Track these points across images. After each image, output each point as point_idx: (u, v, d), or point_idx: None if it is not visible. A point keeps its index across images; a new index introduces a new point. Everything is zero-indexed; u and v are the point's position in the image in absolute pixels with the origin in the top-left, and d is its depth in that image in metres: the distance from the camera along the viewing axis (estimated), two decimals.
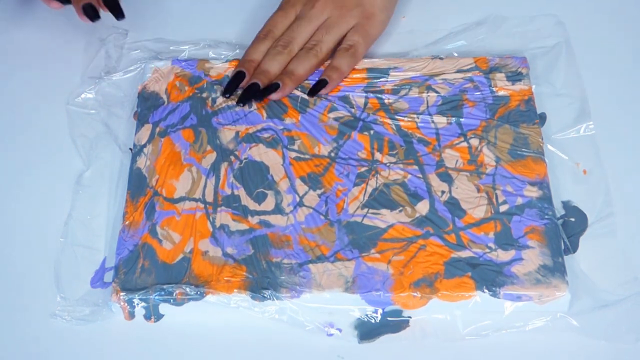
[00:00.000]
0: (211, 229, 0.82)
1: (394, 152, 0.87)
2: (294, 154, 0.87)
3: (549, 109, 0.91)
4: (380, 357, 0.78)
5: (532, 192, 0.83)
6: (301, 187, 0.85)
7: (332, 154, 0.87)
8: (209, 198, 0.84)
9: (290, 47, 0.92)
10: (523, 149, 0.86)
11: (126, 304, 0.79)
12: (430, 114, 0.89)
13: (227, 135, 0.89)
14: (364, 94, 0.91)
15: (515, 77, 0.91)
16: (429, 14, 1.00)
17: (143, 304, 0.79)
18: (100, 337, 0.80)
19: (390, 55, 0.95)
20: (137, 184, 0.86)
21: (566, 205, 0.85)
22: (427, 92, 0.91)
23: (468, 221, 0.81)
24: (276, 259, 0.80)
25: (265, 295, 0.78)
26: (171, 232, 0.83)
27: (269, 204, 0.84)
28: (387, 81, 0.92)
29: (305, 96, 0.91)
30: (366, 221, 0.82)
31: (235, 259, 0.80)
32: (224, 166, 0.87)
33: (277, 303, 0.78)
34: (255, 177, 0.86)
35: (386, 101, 0.90)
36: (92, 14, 0.92)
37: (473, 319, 0.78)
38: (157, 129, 0.90)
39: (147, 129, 0.90)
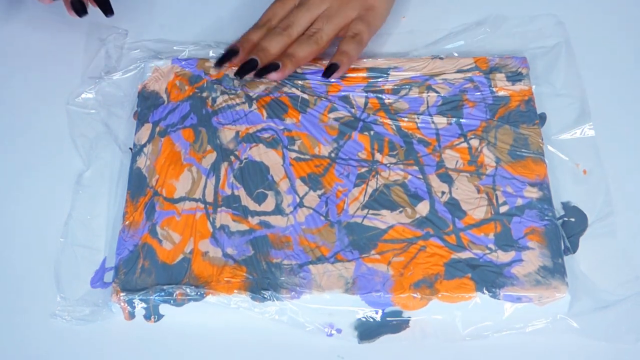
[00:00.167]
0: (211, 230, 0.82)
1: (394, 153, 0.87)
2: (294, 154, 0.87)
3: (549, 109, 0.91)
4: (380, 357, 0.78)
5: (532, 193, 0.83)
6: (301, 188, 0.85)
7: (333, 155, 0.87)
8: (209, 198, 0.84)
9: (289, 31, 0.92)
10: (523, 150, 0.86)
11: (126, 304, 0.79)
12: (430, 115, 0.89)
13: (227, 135, 0.89)
14: (364, 94, 0.91)
15: (515, 77, 0.91)
16: (429, 14, 1.00)
17: (143, 304, 0.79)
18: (100, 337, 0.80)
19: (390, 55, 0.95)
20: (137, 183, 0.86)
21: (566, 205, 0.85)
22: (427, 92, 0.91)
23: (468, 222, 0.82)
24: (276, 260, 0.80)
25: (266, 296, 0.78)
26: (171, 232, 0.83)
27: (269, 204, 0.84)
28: (387, 81, 0.92)
29: (306, 96, 0.91)
30: (366, 222, 0.82)
31: (235, 260, 0.80)
32: (224, 166, 0.87)
33: (277, 304, 0.78)
34: (255, 178, 0.86)
35: (386, 101, 0.90)
36: (79, 9, 0.92)
37: (473, 320, 0.78)
38: (157, 129, 0.90)
39: (147, 129, 0.90)
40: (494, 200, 0.83)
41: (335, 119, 0.89)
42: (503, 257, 0.79)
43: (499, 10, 0.98)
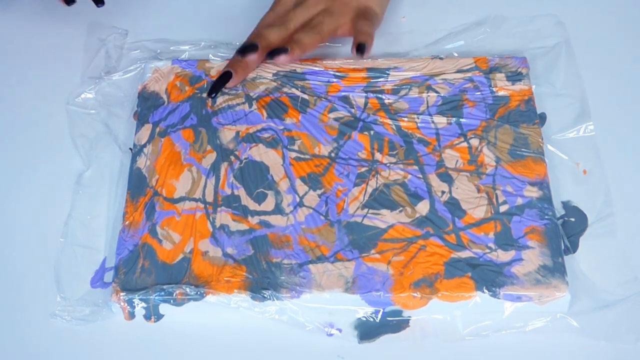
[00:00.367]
0: (211, 229, 0.82)
1: (394, 153, 0.87)
2: (294, 154, 0.87)
3: (549, 109, 0.91)
4: (380, 357, 0.78)
5: (532, 193, 0.83)
6: (301, 187, 0.85)
7: (332, 154, 0.87)
8: (209, 198, 0.84)
9: (287, 24, 0.94)
10: (523, 149, 0.86)
11: (126, 304, 0.79)
12: (430, 114, 0.89)
13: (227, 135, 0.89)
14: (364, 94, 0.91)
15: (515, 77, 0.91)
16: (429, 14, 1.00)
17: (143, 304, 0.79)
18: (100, 337, 0.80)
19: (390, 55, 0.95)
20: (137, 184, 0.86)
21: (566, 205, 0.85)
22: (427, 92, 0.91)
23: (468, 221, 0.82)
24: (276, 259, 0.80)
25: (266, 296, 0.78)
26: (171, 232, 0.83)
27: (269, 204, 0.84)
28: (387, 81, 0.92)
29: (306, 96, 0.91)
30: (366, 221, 0.82)
31: (235, 259, 0.80)
32: (224, 166, 0.87)
33: (277, 303, 0.78)
34: (255, 177, 0.86)
35: (386, 101, 0.90)
36: None
37: (473, 320, 0.78)
38: (157, 129, 0.90)
39: (147, 129, 0.90)
40: (494, 200, 0.83)
41: (335, 119, 0.89)
42: (503, 256, 0.79)
43: (499, 10, 0.98)
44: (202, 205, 0.84)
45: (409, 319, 0.79)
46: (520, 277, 0.78)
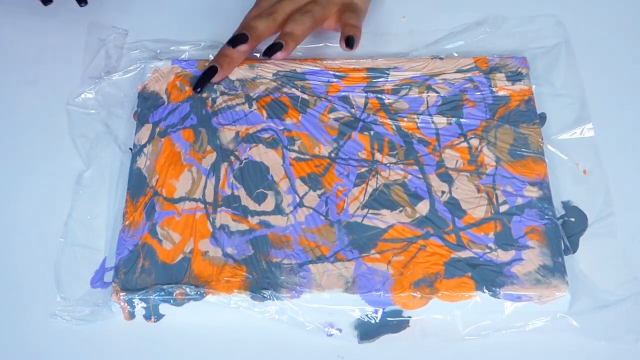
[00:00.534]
0: (211, 229, 0.82)
1: (394, 153, 0.87)
2: (294, 155, 0.87)
3: (549, 109, 0.91)
4: (380, 357, 0.78)
5: (532, 192, 0.83)
6: (301, 188, 0.85)
7: (333, 155, 0.87)
8: (209, 198, 0.84)
9: (274, 15, 0.94)
10: (523, 149, 0.86)
11: (126, 304, 0.79)
12: (430, 114, 0.89)
13: (227, 135, 0.89)
14: (364, 94, 0.91)
15: (515, 77, 0.91)
16: (429, 14, 1.00)
17: (143, 304, 0.79)
18: (100, 337, 0.80)
19: (390, 55, 0.95)
20: (137, 184, 0.86)
21: (566, 205, 0.85)
22: (427, 92, 0.91)
23: (468, 221, 0.82)
24: (276, 259, 0.80)
25: (265, 296, 0.78)
26: (171, 232, 0.83)
27: (269, 204, 0.84)
28: (387, 81, 0.92)
29: (306, 96, 0.91)
30: (366, 221, 0.82)
31: (235, 259, 0.80)
32: (224, 166, 0.87)
33: (277, 303, 0.78)
34: (255, 178, 0.86)
35: (386, 101, 0.90)
36: None
37: (473, 319, 0.78)
38: (157, 129, 0.90)
39: (147, 129, 0.90)
40: (494, 200, 0.83)
41: (335, 119, 0.89)
42: (503, 256, 0.79)
43: (499, 10, 0.98)
44: (202, 206, 0.84)
45: (409, 319, 0.79)
46: (520, 277, 0.78)
